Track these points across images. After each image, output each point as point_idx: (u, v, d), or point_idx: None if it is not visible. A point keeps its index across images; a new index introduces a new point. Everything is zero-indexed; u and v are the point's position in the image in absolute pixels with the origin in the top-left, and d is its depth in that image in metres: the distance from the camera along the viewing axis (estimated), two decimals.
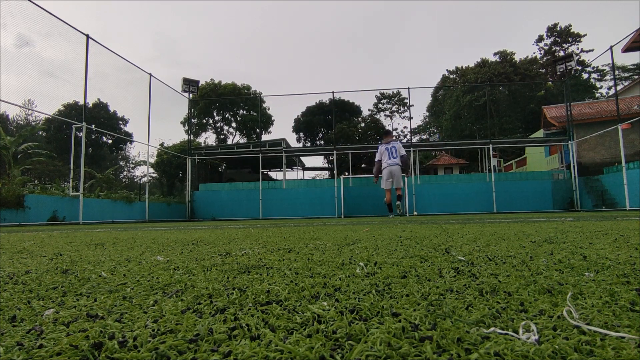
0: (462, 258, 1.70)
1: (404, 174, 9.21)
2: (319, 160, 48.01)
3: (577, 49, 42.33)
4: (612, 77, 34.70)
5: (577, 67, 34.68)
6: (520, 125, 35.65)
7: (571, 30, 42.46)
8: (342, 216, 17.85)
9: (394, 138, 9.03)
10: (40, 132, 30.96)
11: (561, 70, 18.96)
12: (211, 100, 33.91)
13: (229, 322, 0.78)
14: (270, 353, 0.59)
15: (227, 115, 37.51)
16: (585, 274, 1.25)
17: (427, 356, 0.57)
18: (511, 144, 22.76)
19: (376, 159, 9.10)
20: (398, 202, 8.92)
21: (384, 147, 8.94)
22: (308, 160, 43.88)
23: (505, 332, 0.67)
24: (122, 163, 46.06)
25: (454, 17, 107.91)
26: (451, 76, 44.61)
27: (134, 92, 17.65)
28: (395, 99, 43.28)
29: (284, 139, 23.71)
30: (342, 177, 19.39)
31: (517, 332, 0.67)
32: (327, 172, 38.70)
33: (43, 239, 3.97)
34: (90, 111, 28.99)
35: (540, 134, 25.08)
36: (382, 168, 8.80)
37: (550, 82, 36.71)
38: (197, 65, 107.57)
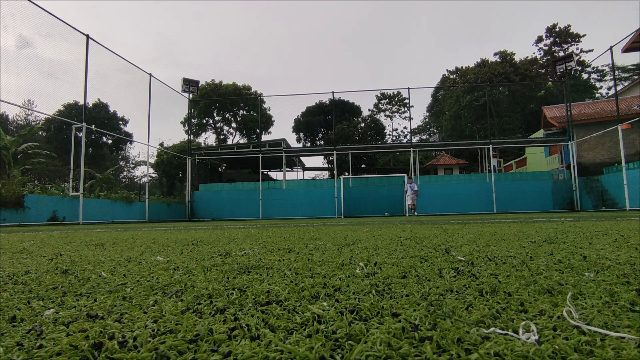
0: (462, 258, 1.70)
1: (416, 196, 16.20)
2: (319, 161, 48.02)
3: (577, 49, 42.28)
4: (612, 77, 34.73)
5: (577, 67, 34.69)
6: (520, 126, 35.60)
7: (570, 31, 42.47)
8: (342, 216, 17.85)
9: (412, 179, 16.84)
10: (40, 133, 30.93)
11: (561, 70, 18.97)
12: (211, 101, 33.93)
13: (229, 322, 0.78)
14: (270, 353, 0.59)
15: (227, 115, 37.50)
16: (585, 274, 1.25)
17: (427, 356, 0.57)
18: (511, 144, 22.77)
19: (404, 189, 16.80)
20: (415, 213, 16.00)
21: (407, 184, 16.21)
22: (308, 161, 43.94)
23: (505, 332, 0.67)
24: (122, 163, 46.04)
25: (454, 17, 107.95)
26: (451, 76, 44.55)
27: (134, 93, 17.69)
28: (396, 99, 43.23)
29: (284, 139, 23.70)
30: (342, 177, 19.39)
31: (517, 332, 0.67)
32: (327, 173, 38.70)
33: (43, 239, 3.97)
34: (90, 111, 28.98)
35: (540, 134, 25.07)
36: (407, 195, 16.18)
37: (550, 83, 36.70)
38: (197, 66, 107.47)
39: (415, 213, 16.17)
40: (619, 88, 25.91)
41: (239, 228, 6.28)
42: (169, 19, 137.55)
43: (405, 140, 43.00)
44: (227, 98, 33.93)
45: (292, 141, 35.75)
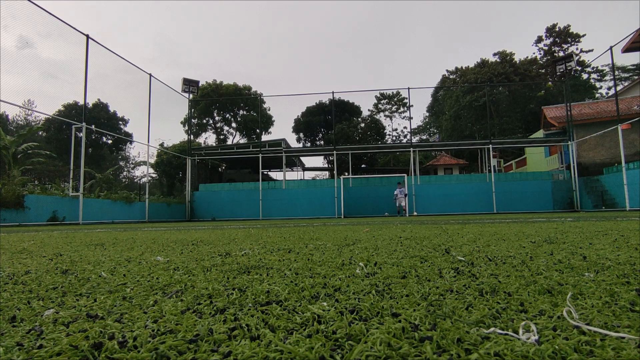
0: (462, 258, 1.70)
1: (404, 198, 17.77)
2: (319, 161, 48.02)
3: (577, 49, 42.25)
4: (612, 77, 34.73)
5: (577, 67, 34.67)
6: (520, 126, 35.56)
7: (570, 31, 42.45)
8: (342, 216, 17.85)
9: (400, 184, 17.91)
10: (40, 133, 30.92)
11: (561, 70, 18.97)
12: (211, 101, 33.92)
13: (229, 322, 0.78)
14: (270, 353, 0.59)
15: (227, 115, 37.50)
16: (585, 274, 1.25)
17: (427, 356, 0.57)
18: (511, 145, 22.77)
19: (395, 193, 17.71)
20: (401, 213, 17.50)
21: (398, 189, 17.56)
22: (308, 161, 43.92)
23: (505, 332, 0.67)
24: (122, 163, 46.04)
25: (454, 17, 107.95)
26: (451, 76, 44.51)
27: (134, 93, 17.72)
28: (395, 99, 43.17)
29: (284, 139, 23.69)
30: (342, 177, 19.39)
31: (517, 332, 0.67)
32: (327, 173, 38.67)
33: (43, 239, 3.97)
34: (90, 111, 28.96)
35: (540, 134, 25.05)
36: (397, 197, 17.53)
37: (550, 83, 36.67)
38: (197, 66, 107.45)
39: (400, 214, 17.31)
40: (619, 88, 25.90)
41: (239, 228, 6.28)
42: (169, 19, 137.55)
43: (405, 140, 42.95)
44: (227, 98, 33.91)
45: (292, 141, 35.75)
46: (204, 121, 37.11)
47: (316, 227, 6.02)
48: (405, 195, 17.50)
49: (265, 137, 32.40)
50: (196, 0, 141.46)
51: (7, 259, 2.17)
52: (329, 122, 34.54)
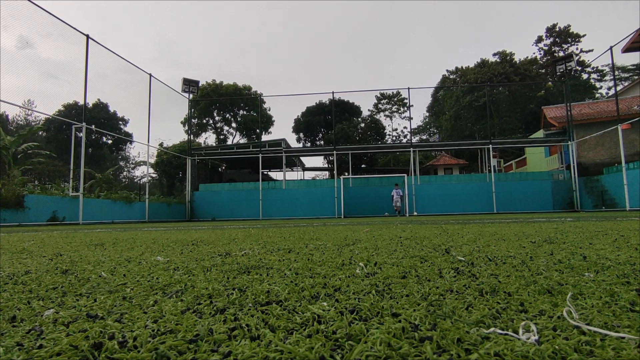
0: (462, 258, 1.70)
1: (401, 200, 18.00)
2: (319, 161, 48.01)
3: (577, 49, 42.25)
4: (612, 77, 34.73)
5: (577, 67, 34.65)
6: (520, 126, 35.54)
7: (570, 31, 42.45)
8: (342, 216, 17.84)
9: (397, 185, 18.04)
10: (40, 133, 30.91)
11: (561, 70, 18.97)
12: (211, 101, 33.90)
13: (229, 322, 0.78)
14: (270, 353, 0.59)
15: (228, 115, 37.50)
16: (585, 274, 1.25)
17: (427, 356, 0.57)
18: (511, 145, 22.76)
19: (392, 194, 17.76)
20: (397, 213, 17.76)
21: (394, 190, 17.72)
22: (308, 161, 43.90)
23: (505, 332, 0.67)
24: (122, 163, 46.02)
25: (454, 17, 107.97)
26: (451, 76, 44.48)
27: (134, 93, 17.72)
28: (395, 99, 43.14)
29: (284, 139, 23.68)
30: (342, 177, 19.38)
31: (517, 332, 0.67)
32: (327, 173, 38.68)
33: (43, 239, 3.97)
34: (90, 111, 28.96)
35: (540, 134, 25.04)
36: (393, 198, 17.66)
37: (550, 83, 36.67)
38: (197, 66, 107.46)
39: (399, 214, 17.52)
40: (619, 88, 25.91)
41: (239, 228, 6.28)
42: (169, 19, 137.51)
43: (405, 140, 42.94)
44: (227, 98, 33.90)
45: (292, 141, 35.75)
46: (204, 121, 37.10)
47: (316, 227, 6.02)
48: (401, 196, 17.60)
49: (265, 137, 32.43)
50: (196, 0, 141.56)
51: (7, 259, 2.17)
52: (329, 122, 34.52)
